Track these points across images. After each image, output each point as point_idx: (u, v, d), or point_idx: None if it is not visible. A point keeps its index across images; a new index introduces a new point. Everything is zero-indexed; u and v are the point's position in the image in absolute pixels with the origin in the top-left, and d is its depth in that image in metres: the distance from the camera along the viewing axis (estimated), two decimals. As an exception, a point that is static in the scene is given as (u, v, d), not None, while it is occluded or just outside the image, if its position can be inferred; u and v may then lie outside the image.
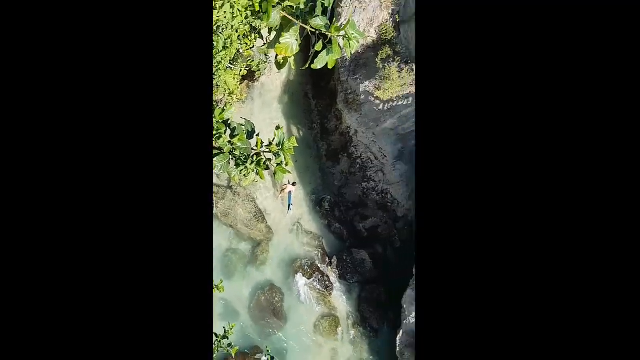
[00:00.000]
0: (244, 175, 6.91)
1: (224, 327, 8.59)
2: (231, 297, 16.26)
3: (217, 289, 13.44)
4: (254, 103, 18.15)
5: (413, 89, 16.60)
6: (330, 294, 17.88)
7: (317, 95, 19.65)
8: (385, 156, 18.16)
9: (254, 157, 6.67)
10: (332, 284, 17.99)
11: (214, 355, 9.43)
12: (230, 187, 17.21)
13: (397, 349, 16.72)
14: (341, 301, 18.02)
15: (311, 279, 17.67)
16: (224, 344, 8.50)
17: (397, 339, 16.76)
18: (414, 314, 16.45)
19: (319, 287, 17.73)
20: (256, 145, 6.66)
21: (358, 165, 18.83)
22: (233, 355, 9.43)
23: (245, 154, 6.66)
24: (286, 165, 6.73)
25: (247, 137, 6.76)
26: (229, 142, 6.63)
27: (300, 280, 17.50)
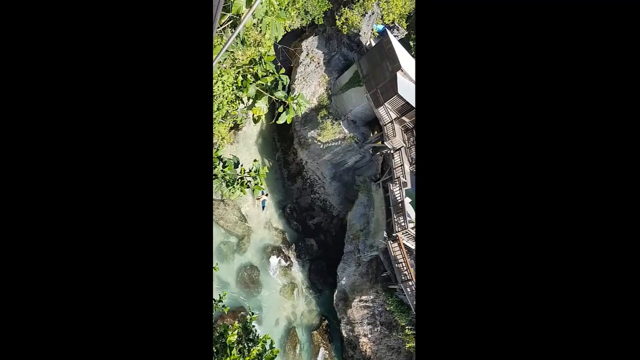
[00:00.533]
0: (232, 192, 6.94)
1: (219, 294, 8.36)
2: (224, 274, 15.67)
3: (214, 269, 13.02)
4: (238, 145, 17.98)
5: (341, 135, 17.02)
6: (291, 269, 17.64)
7: (281, 139, 19.65)
8: (325, 177, 18.31)
9: (239, 180, 6.74)
10: (292, 262, 17.77)
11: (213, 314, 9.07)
12: (222, 200, 16.83)
13: (334, 302, 16.65)
14: (298, 273, 17.83)
15: (278, 258, 17.45)
16: (219, 305, 8.31)
17: (334, 295, 16.69)
18: (344, 280, 16.50)
19: (283, 263, 17.51)
20: (240, 172, 6.76)
21: (308, 184, 18.88)
22: (226, 312, 9.16)
23: (233, 178, 6.70)
24: (261, 184, 6.83)
25: (234, 167, 6.80)
26: (222, 170, 6.68)
27: (274, 260, 17.20)
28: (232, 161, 6.82)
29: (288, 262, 17.60)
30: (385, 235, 15.26)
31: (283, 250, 17.81)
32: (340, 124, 17.06)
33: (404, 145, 16.49)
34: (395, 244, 14.70)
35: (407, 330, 14.51)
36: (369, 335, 15.87)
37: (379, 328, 15.67)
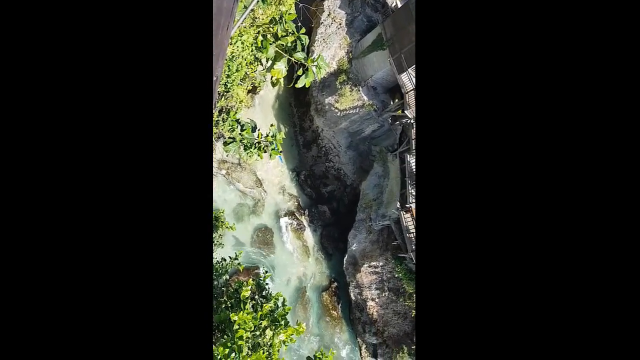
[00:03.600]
0: (249, 155, 6.98)
1: (235, 253, 8.48)
2: (240, 234, 16.32)
3: (231, 229, 13.38)
4: (255, 109, 17.86)
5: (360, 103, 16.62)
6: (303, 233, 18.16)
7: (297, 105, 19.37)
8: (341, 146, 18.13)
9: (257, 144, 6.76)
10: (305, 226, 18.24)
11: (228, 270, 9.44)
12: (239, 164, 17.11)
13: (344, 266, 17.19)
14: (310, 237, 18.35)
15: (289, 220, 17.88)
16: (235, 263, 8.58)
17: (344, 260, 17.19)
18: (355, 245, 16.94)
19: (296, 227, 18.06)
20: (257, 136, 6.75)
21: (323, 152, 18.81)
22: (241, 270, 9.56)
23: (251, 142, 6.73)
24: (278, 150, 6.82)
25: (251, 130, 6.80)
26: (240, 134, 6.68)
27: (284, 221, 17.71)
28: (249, 125, 6.78)
29: (300, 226, 18.08)
30: (398, 206, 15.28)
31: (296, 215, 18.24)
32: (359, 90, 16.52)
33: (425, 115, 15.90)
34: (408, 215, 14.74)
35: (414, 298, 14.97)
36: (377, 300, 16.50)
37: (386, 293, 16.23)
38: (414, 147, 15.41)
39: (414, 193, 14.72)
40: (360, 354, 17.14)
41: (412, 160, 15.30)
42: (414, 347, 15.35)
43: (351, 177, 18.87)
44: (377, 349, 16.65)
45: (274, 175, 18.24)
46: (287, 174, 18.74)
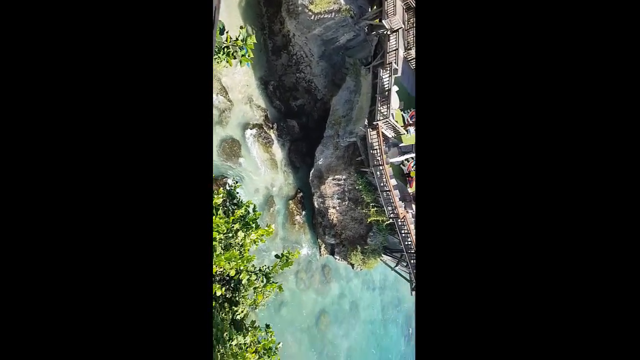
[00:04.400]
0: (217, 62, 6.44)
1: None
2: (206, 145, 16.07)
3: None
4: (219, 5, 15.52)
5: (336, 6, 15.02)
6: (272, 146, 18.11)
7: (267, 4, 17.07)
8: (313, 55, 16.93)
9: (225, 49, 6.17)
10: (273, 140, 18.08)
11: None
12: (201, 68, 15.61)
13: (310, 178, 17.99)
14: (278, 151, 18.41)
15: (258, 133, 17.55)
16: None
17: (310, 173, 17.89)
18: (321, 160, 17.48)
19: (263, 141, 17.97)
20: (226, 40, 6.13)
21: (294, 60, 17.56)
22: (209, 179, 9.71)
23: (219, 46, 6.12)
24: (249, 56, 6.30)
25: (219, 33, 6.14)
26: (204, 34, 6.01)
27: (250, 132, 17.34)
28: (217, 26, 6.05)
29: (268, 140, 17.92)
30: (365, 123, 15.48)
31: (264, 128, 17.85)
32: (336, -10, 14.71)
33: (402, 27, 14.92)
34: (374, 132, 15.12)
35: (370, 207, 16.56)
36: (337, 208, 18.06)
37: (346, 202, 17.73)
38: (387, 62, 14.85)
39: (382, 110, 14.82)
40: (320, 252, 19.54)
41: (384, 75, 14.92)
42: (366, 246, 17.69)
43: (322, 91, 18.22)
44: (334, 248, 19.02)
45: (241, 83, 17.05)
46: (254, 84, 17.59)
